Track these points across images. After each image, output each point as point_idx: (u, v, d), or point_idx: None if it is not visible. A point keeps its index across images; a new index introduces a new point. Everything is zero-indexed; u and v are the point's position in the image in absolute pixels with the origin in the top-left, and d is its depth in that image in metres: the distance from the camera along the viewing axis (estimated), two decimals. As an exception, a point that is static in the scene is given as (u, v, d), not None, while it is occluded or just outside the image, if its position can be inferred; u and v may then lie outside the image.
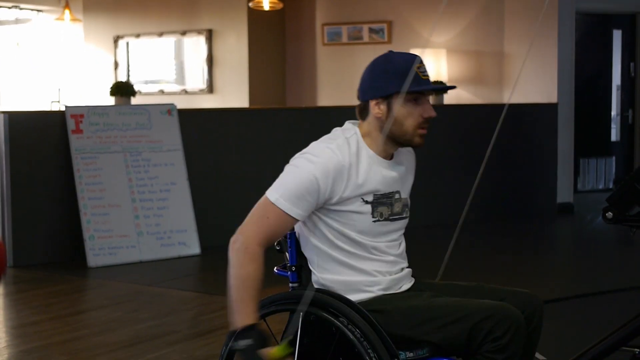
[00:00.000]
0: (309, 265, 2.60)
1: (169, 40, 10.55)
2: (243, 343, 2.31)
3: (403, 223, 2.65)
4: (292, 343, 2.40)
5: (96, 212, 6.65)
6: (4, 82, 11.43)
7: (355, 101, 2.67)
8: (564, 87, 8.99)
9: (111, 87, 7.87)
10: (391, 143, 2.57)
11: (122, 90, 7.80)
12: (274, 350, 2.30)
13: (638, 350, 2.92)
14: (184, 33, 10.37)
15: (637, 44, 10.13)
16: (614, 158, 10.25)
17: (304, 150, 2.51)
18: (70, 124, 6.71)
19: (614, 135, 10.33)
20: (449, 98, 9.27)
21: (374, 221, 2.54)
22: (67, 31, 11.26)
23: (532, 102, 8.92)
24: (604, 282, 5.91)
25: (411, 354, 2.43)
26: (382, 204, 2.55)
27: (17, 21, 11.39)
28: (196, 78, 10.39)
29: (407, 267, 2.67)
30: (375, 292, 2.54)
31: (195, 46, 10.33)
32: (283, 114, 8.20)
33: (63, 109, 6.93)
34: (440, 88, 2.67)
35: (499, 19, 9.19)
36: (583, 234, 8.30)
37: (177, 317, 5.13)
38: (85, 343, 4.55)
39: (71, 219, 6.70)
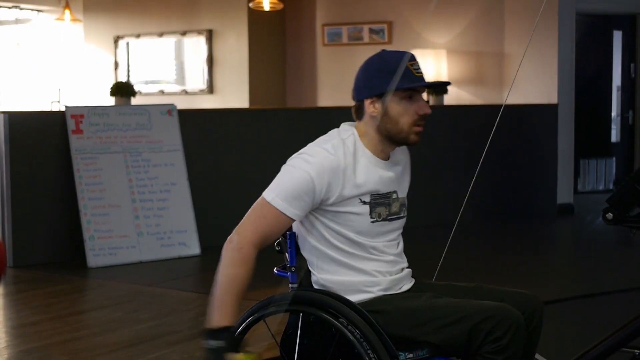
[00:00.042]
0: (309, 266, 2.60)
1: (169, 41, 10.55)
2: (214, 343, 2.32)
3: (401, 223, 2.65)
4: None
5: (96, 212, 6.65)
6: (4, 82, 11.44)
7: (354, 102, 2.67)
8: (564, 87, 8.99)
9: (111, 88, 7.87)
10: (388, 142, 2.57)
11: (122, 90, 7.80)
12: (241, 356, 2.30)
13: (638, 351, 2.92)
14: (184, 33, 10.37)
15: (637, 45, 10.13)
16: (614, 159, 10.25)
17: (300, 151, 2.52)
18: (71, 124, 6.71)
19: (614, 136, 10.33)
20: (449, 99, 9.27)
21: (372, 222, 2.54)
22: (67, 31, 11.26)
23: (532, 102, 8.92)
24: (604, 283, 5.91)
25: (411, 355, 2.43)
26: (380, 204, 2.55)
27: (17, 21, 11.39)
28: (196, 78, 10.39)
29: (407, 267, 2.68)
30: (375, 292, 2.54)
31: (196, 46, 10.34)
32: (283, 114, 8.20)
33: (63, 109, 6.93)
34: (434, 84, 2.66)
35: (499, 20, 9.19)
36: (583, 234, 8.30)
37: (177, 318, 5.13)
38: (85, 343, 4.55)
39: (71, 219, 6.70)
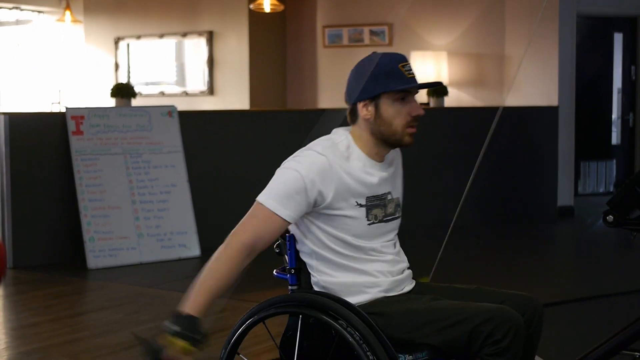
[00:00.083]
0: (308, 268, 2.60)
1: (170, 42, 10.56)
2: (168, 325, 2.35)
3: (397, 223, 2.66)
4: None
5: (96, 213, 6.65)
6: (4, 83, 11.44)
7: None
8: (565, 90, 8.99)
9: (112, 89, 7.87)
10: (382, 145, 2.57)
11: (123, 91, 7.80)
12: (180, 343, 2.29)
13: (638, 353, 2.92)
14: (184, 35, 10.37)
15: (638, 47, 10.12)
16: (614, 161, 10.25)
17: (293, 154, 2.53)
18: (71, 126, 6.71)
19: (615, 139, 10.32)
20: (450, 101, 9.27)
21: (369, 224, 2.54)
22: (68, 32, 11.27)
23: (533, 104, 8.92)
24: (604, 286, 5.91)
25: (410, 357, 2.43)
26: (376, 206, 2.56)
27: (17, 22, 11.39)
28: (197, 80, 10.39)
29: (407, 268, 2.68)
30: (375, 293, 2.54)
31: (196, 48, 10.34)
32: (283, 115, 8.20)
33: (63, 110, 6.93)
34: (425, 85, 2.65)
35: (499, 22, 9.19)
36: (583, 237, 8.29)
37: (177, 319, 5.12)
38: (85, 345, 4.54)
39: (71, 221, 6.70)
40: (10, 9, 11.11)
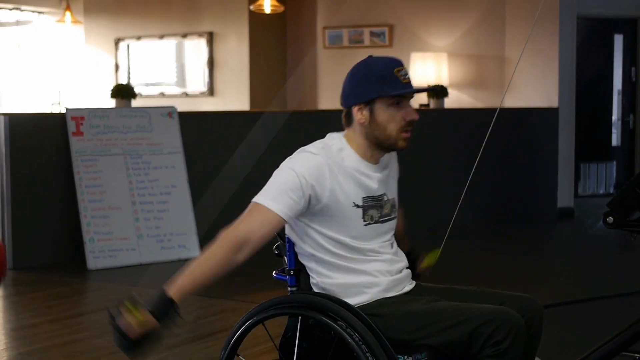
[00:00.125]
0: (307, 270, 2.60)
1: (170, 43, 10.56)
2: (135, 297, 2.35)
3: (393, 224, 2.67)
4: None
5: (96, 214, 6.65)
6: (4, 84, 11.44)
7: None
8: (565, 91, 8.99)
9: (112, 90, 7.88)
10: (377, 148, 2.59)
11: (123, 92, 7.80)
12: (137, 315, 2.29)
13: (638, 355, 2.92)
14: (185, 35, 10.37)
15: (638, 49, 10.12)
16: (614, 163, 10.24)
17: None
18: (71, 126, 6.71)
19: (615, 140, 10.32)
20: (450, 102, 9.27)
21: (365, 224, 2.55)
22: (68, 33, 11.27)
23: (533, 106, 8.92)
24: (604, 287, 5.91)
25: (410, 358, 2.43)
26: (372, 206, 2.57)
27: (18, 23, 11.40)
28: (197, 81, 10.40)
29: (406, 268, 2.68)
30: (374, 293, 2.54)
31: (196, 49, 10.34)
32: (284, 117, 8.20)
33: (64, 111, 6.93)
34: (419, 90, 2.65)
35: (500, 23, 9.20)
36: (583, 238, 8.29)
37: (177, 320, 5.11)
38: (84, 346, 4.54)
39: (71, 221, 6.70)
40: (10, 9, 11.12)
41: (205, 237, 6.97)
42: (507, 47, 9.16)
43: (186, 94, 10.39)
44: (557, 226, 8.78)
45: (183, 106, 8.28)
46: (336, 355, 2.45)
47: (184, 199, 6.98)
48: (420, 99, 9.22)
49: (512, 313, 2.39)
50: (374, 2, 9.94)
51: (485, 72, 9.36)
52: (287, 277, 2.64)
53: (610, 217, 2.84)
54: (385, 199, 2.61)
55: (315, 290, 2.59)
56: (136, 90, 8.06)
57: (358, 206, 2.53)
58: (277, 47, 10.46)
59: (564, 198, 9.05)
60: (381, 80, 2.52)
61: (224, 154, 7.46)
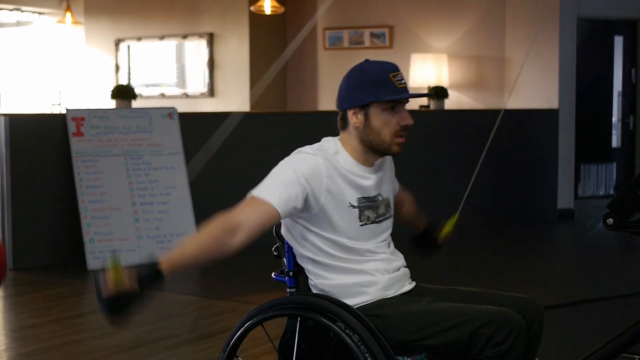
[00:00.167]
0: (306, 272, 2.61)
1: (170, 44, 10.56)
2: (118, 257, 2.32)
3: (389, 223, 2.67)
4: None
5: (96, 215, 6.65)
6: (5, 84, 11.44)
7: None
8: (565, 92, 8.99)
9: (112, 90, 7.87)
10: (371, 152, 2.60)
11: (123, 93, 7.80)
12: (114, 272, 2.27)
13: (638, 356, 2.92)
14: (185, 36, 10.37)
15: (638, 50, 10.12)
16: (614, 164, 10.25)
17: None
18: (71, 127, 6.71)
19: (615, 142, 10.33)
20: (450, 103, 9.27)
21: (362, 225, 2.56)
22: (68, 34, 11.27)
23: (533, 107, 8.92)
24: (604, 288, 5.90)
25: (409, 359, 2.43)
26: (367, 207, 2.58)
27: (18, 24, 11.40)
28: (197, 81, 10.40)
29: (404, 267, 2.68)
30: (374, 292, 2.54)
31: (197, 49, 10.34)
32: (284, 118, 8.20)
33: (64, 111, 6.93)
34: (415, 95, 2.66)
35: (500, 24, 9.19)
36: (583, 240, 8.29)
37: (177, 321, 5.12)
38: (84, 346, 4.54)
39: (71, 222, 6.70)
40: (10, 10, 11.12)
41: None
42: (507, 48, 9.16)
43: (186, 95, 10.39)
44: (557, 227, 8.78)
45: (183, 107, 8.28)
46: (335, 356, 2.45)
47: (184, 199, 6.98)
48: (420, 101, 9.22)
49: (513, 314, 2.39)
50: (374, 4, 9.94)
51: (486, 73, 9.36)
52: (286, 278, 2.64)
53: (610, 219, 2.83)
54: (380, 199, 2.63)
55: (314, 291, 2.59)
56: (136, 91, 8.05)
57: (354, 207, 2.54)
58: (277, 48, 10.46)
59: (564, 199, 9.05)
60: (377, 85, 2.53)
61: (224, 155, 7.46)
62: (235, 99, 9.99)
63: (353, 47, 10.00)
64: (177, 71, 10.64)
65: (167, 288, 5.93)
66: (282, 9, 9.11)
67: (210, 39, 10.16)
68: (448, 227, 2.89)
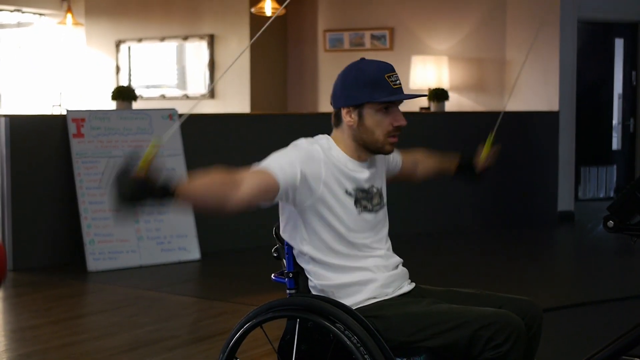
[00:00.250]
0: (306, 273, 2.61)
1: (171, 45, 10.56)
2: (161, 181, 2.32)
3: (384, 213, 2.69)
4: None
5: (97, 216, 6.65)
6: (5, 85, 11.44)
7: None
8: (566, 95, 8.99)
9: (112, 92, 7.87)
10: (363, 150, 2.61)
11: (124, 94, 7.80)
12: (151, 152, 2.30)
13: (638, 359, 2.92)
14: (185, 38, 10.38)
15: (639, 53, 10.12)
16: (615, 167, 10.24)
17: None
18: (72, 128, 6.71)
19: (615, 144, 10.32)
20: (450, 105, 9.27)
21: (359, 213, 2.58)
22: (69, 35, 11.28)
23: (534, 109, 8.92)
24: (604, 291, 5.90)
25: (408, 361, 2.43)
26: (362, 197, 2.60)
27: (19, 25, 11.40)
28: (198, 83, 10.40)
29: (402, 265, 2.68)
30: (373, 290, 2.54)
31: (197, 51, 10.35)
32: (284, 119, 8.20)
33: (64, 112, 6.93)
34: (410, 96, 2.66)
35: (500, 27, 9.20)
36: (584, 242, 8.29)
37: (177, 322, 5.12)
38: (84, 347, 4.54)
39: (71, 223, 6.70)
40: (11, 11, 11.12)
41: (206, 239, 6.99)
42: (507, 50, 9.16)
43: (187, 96, 10.39)
44: (557, 230, 8.78)
45: (184, 108, 8.28)
46: (335, 357, 2.45)
47: (184, 201, 6.96)
48: (421, 102, 9.23)
49: (513, 316, 2.40)
50: (375, 5, 9.94)
51: (486, 75, 9.36)
52: (286, 279, 2.64)
53: (611, 221, 2.84)
54: (375, 190, 2.65)
55: (314, 292, 2.59)
56: (137, 92, 8.05)
57: (350, 195, 2.56)
58: (278, 49, 10.47)
59: (564, 202, 9.05)
60: (371, 85, 2.53)
61: (224, 156, 7.46)
62: (235, 100, 10.00)
63: (354, 49, 10.00)
64: (178, 72, 10.64)
65: (166, 290, 5.94)
66: (282, 11, 9.11)
67: (211, 41, 10.16)
68: (486, 149, 2.95)
